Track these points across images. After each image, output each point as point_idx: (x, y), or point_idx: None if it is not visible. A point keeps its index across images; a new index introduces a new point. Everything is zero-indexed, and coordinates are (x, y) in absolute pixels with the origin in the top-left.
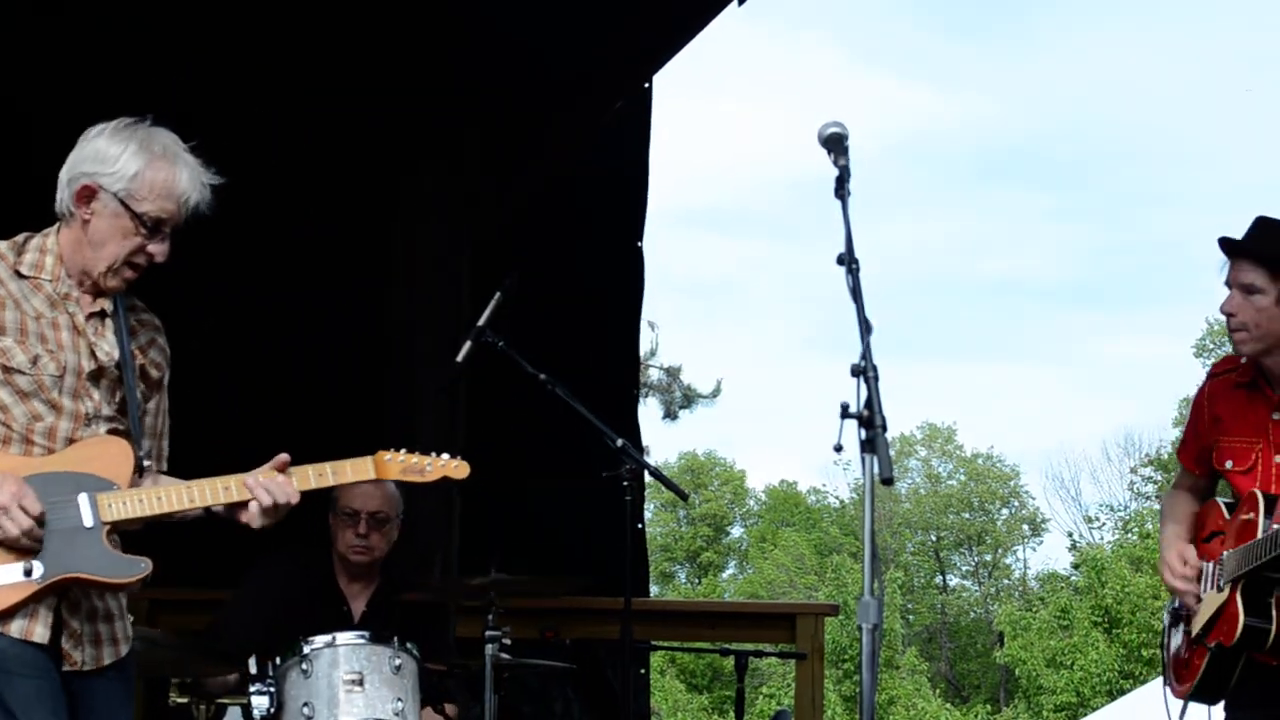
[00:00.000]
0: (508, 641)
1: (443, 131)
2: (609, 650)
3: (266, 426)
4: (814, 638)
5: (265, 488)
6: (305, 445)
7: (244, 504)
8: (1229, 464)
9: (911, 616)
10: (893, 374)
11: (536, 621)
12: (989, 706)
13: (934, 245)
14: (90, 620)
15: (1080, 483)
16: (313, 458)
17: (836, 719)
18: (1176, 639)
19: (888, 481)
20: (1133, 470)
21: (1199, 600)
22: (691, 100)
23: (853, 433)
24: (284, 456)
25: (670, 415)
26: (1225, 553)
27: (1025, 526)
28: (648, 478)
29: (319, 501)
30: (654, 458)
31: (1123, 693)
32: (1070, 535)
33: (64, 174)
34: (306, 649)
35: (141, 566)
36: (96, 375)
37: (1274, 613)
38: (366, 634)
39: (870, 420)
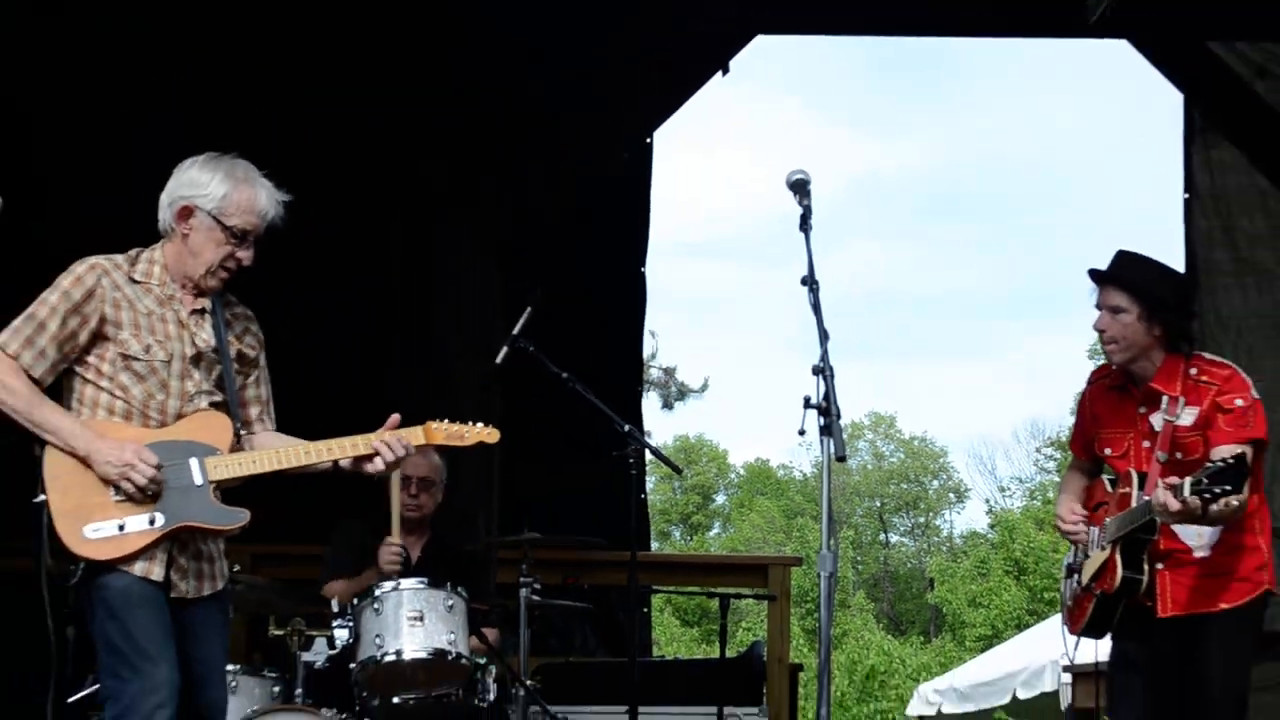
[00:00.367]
0: (538, 586)
1: (443, 131)
2: (619, 594)
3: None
4: (782, 583)
5: (388, 443)
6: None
7: (368, 458)
8: (1108, 451)
9: (860, 566)
10: (846, 372)
11: (560, 571)
12: (922, 638)
13: (880, 268)
14: (195, 559)
15: (996, 460)
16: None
17: (800, 648)
18: (1070, 587)
19: (841, 459)
20: (1038, 450)
21: (1086, 544)
22: (688, 152)
23: (813, 420)
24: (395, 417)
25: (667, 406)
26: (1107, 519)
27: (951, 495)
28: (649, 456)
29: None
30: (654, 440)
31: (1029, 627)
32: (987, 501)
33: (164, 198)
34: (378, 591)
35: (241, 516)
36: (196, 359)
37: (1145, 566)
38: (425, 580)
39: (827, 410)
